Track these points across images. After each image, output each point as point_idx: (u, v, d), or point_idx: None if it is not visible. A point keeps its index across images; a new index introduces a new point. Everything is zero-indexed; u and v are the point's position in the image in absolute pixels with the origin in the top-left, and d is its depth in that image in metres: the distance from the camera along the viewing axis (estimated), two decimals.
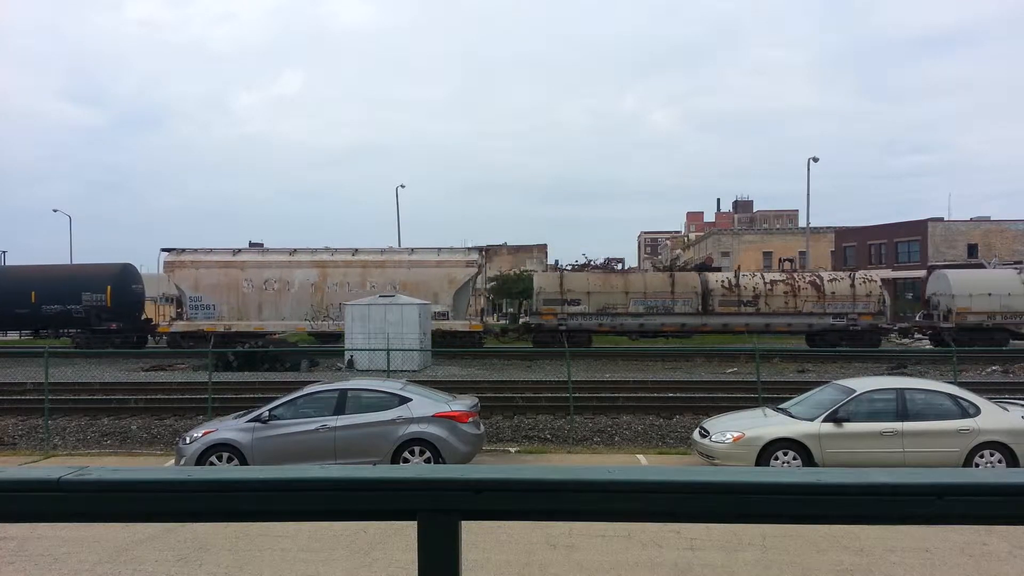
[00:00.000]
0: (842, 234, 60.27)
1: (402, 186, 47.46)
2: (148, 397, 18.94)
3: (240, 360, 26.06)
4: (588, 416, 15.90)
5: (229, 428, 11.33)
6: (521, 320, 35.96)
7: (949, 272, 33.87)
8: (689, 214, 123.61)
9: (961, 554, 7.24)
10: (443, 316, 30.64)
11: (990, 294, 30.96)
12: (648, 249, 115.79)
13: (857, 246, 56.88)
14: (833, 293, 31.43)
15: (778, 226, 76.54)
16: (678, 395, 18.45)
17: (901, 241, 53.62)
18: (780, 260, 33.80)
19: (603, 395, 18.43)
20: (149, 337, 33.83)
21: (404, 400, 11.35)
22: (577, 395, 16.48)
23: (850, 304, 31.34)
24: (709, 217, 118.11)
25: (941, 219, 53.67)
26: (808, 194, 44.05)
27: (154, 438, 15.03)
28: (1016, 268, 33.15)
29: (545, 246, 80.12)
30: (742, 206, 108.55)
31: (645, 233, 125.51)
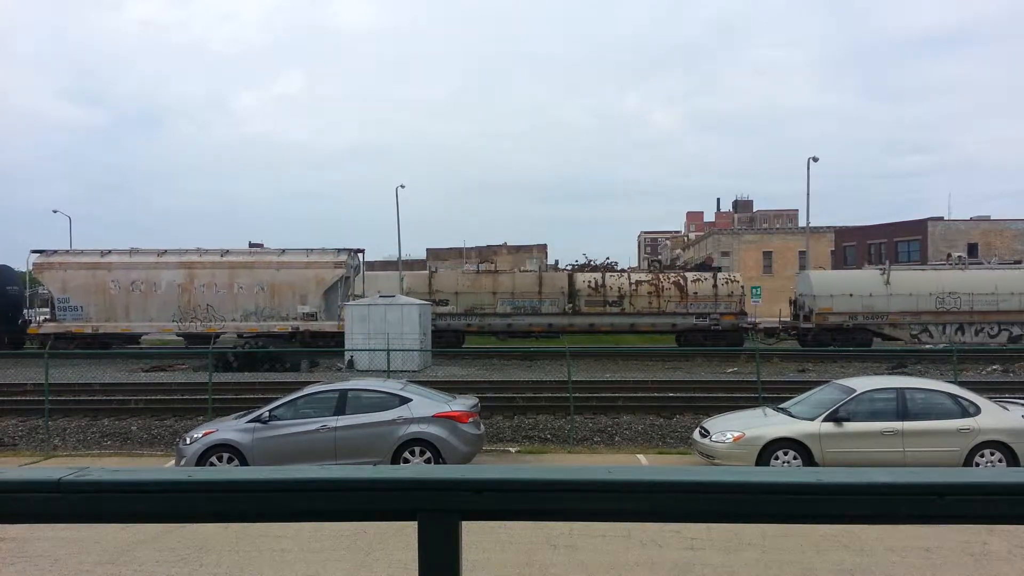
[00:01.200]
0: (842, 234, 60.22)
1: (402, 186, 47.34)
2: (148, 398, 18.94)
3: (240, 361, 26.06)
4: (588, 416, 15.90)
5: (229, 429, 11.32)
6: None
7: (812, 272, 34.31)
8: (689, 214, 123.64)
9: (962, 554, 7.23)
10: (311, 316, 30.99)
11: (851, 294, 31.11)
12: (648, 249, 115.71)
13: (857, 246, 56.84)
14: (696, 293, 32.07)
15: (778, 226, 76.47)
16: (678, 395, 18.44)
17: (901, 241, 53.58)
18: (649, 261, 34.35)
19: (603, 395, 18.42)
20: (26, 340, 33.32)
21: (404, 400, 11.35)
22: (577, 395, 16.47)
23: (712, 304, 31.94)
24: (709, 217, 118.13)
25: (941, 218, 53.65)
26: (808, 194, 44.01)
27: (154, 439, 15.03)
28: (880, 269, 33.12)
29: (545, 246, 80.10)
30: (742, 206, 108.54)
31: (645, 233, 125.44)
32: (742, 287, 32.71)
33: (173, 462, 11.94)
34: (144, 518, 1.11)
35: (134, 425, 15.95)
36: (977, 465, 10.73)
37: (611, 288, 32.25)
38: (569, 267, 42.91)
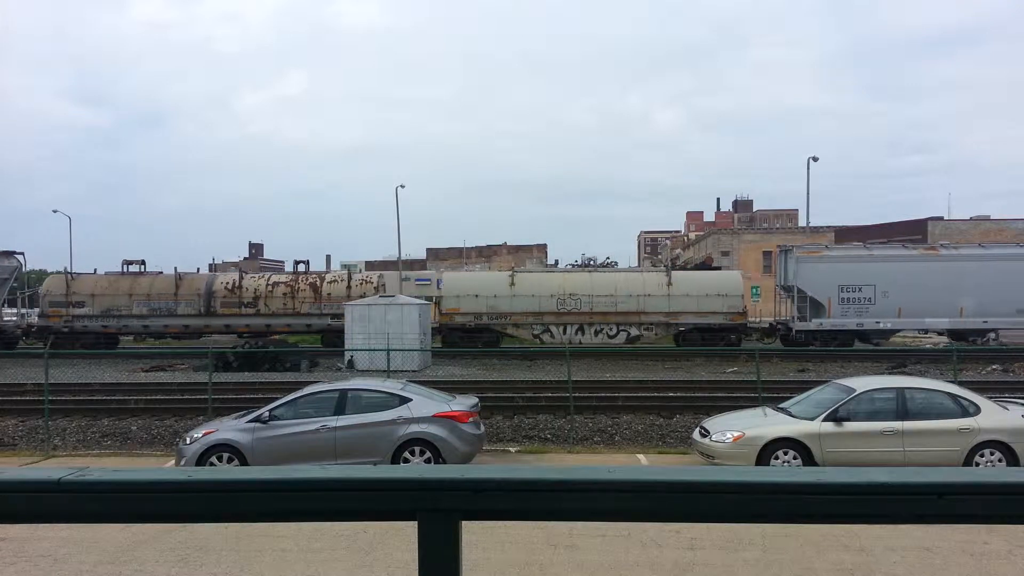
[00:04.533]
0: (842, 233, 60.21)
1: (402, 186, 47.36)
2: (148, 398, 18.94)
3: (240, 360, 26.06)
4: (588, 416, 15.89)
5: (229, 428, 11.32)
6: (27, 321, 36.24)
7: (445, 274, 35.11)
8: (689, 213, 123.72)
9: (962, 553, 7.24)
10: None
11: (477, 295, 31.50)
12: (648, 248, 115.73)
13: None
14: (329, 294, 32.68)
15: (778, 225, 76.50)
16: (678, 395, 18.44)
17: (901, 240, 53.57)
18: (296, 262, 35.10)
19: (603, 395, 18.41)
20: None
21: (404, 400, 11.35)
22: (577, 395, 16.48)
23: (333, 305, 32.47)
24: (709, 216, 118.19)
25: (941, 218, 53.65)
26: (808, 193, 44.12)
27: (154, 439, 15.02)
28: (509, 272, 33.46)
29: (545, 246, 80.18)
30: (742, 205, 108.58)
31: (645, 233, 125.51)
32: (375, 288, 32.95)
33: (173, 462, 11.94)
34: (144, 518, 1.11)
35: (134, 425, 15.95)
36: (977, 465, 10.73)
37: (247, 290, 32.83)
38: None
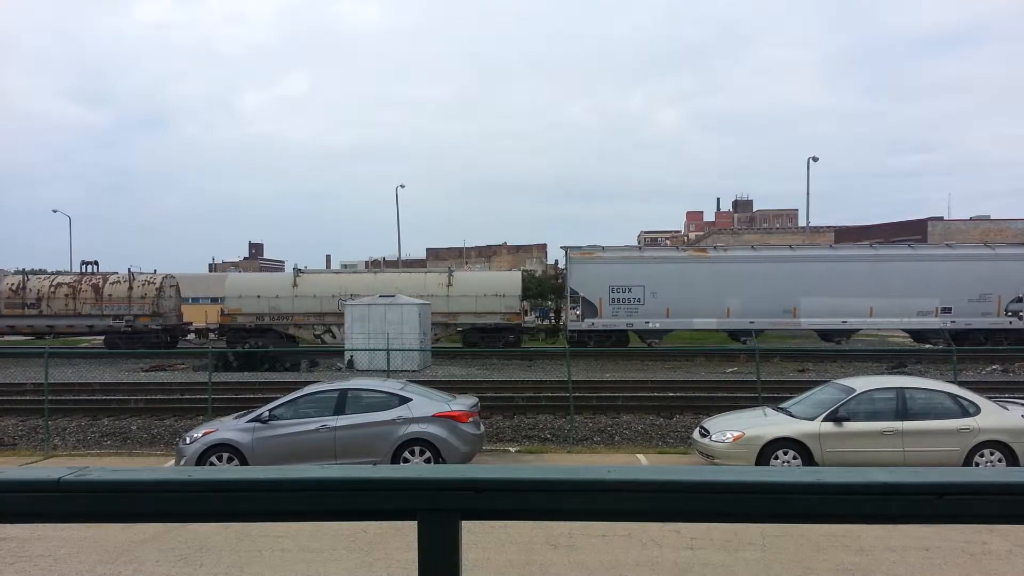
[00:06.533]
0: (842, 233, 60.20)
1: (402, 186, 47.54)
2: (148, 397, 18.93)
3: (240, 360, 26.07)
4: (588, 416, 15.90)
5: (229, 428, 11.32)
6: None
7: (229, 274, 35.63)
8: (689, 213, 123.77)
9: (962, 553, 7.23)
10: None
11: (259, 296, 31.70)
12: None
13: None
14: (111, 296, 32.76)
15: (777, 225, 76.51)
16: (678, 395, 18.43)
17: (900, 240, 53.58)
18: (83, 263, 35.65)
19: (603, 395, 18.41)
20: None
21: (404, 400, 11.35)
22: (577, 395, 16.48)
23: (127, 306, 32.66)
24: (709, 216, 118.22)
25: (941, 218, 53.62)
26: (808, 193, 44.20)
27: (154, 438, 15.03)
28: (294, 271, 33.54)
29: (545, 246, 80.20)
30: (742, 205, 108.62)
31: (644, 232, 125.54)
32: (157, 291, 33.10)
33: (173, 462, 11.94)
34: (144, 518, 1.11)
35: (134, 425, 15.95)
36: (977, 465, 10.73)
37: (31, 291, 32.96)
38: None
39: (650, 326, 29.71)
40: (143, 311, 32.50)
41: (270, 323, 31.73)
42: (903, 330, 30.47)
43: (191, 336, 35.82)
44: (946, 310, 28.86)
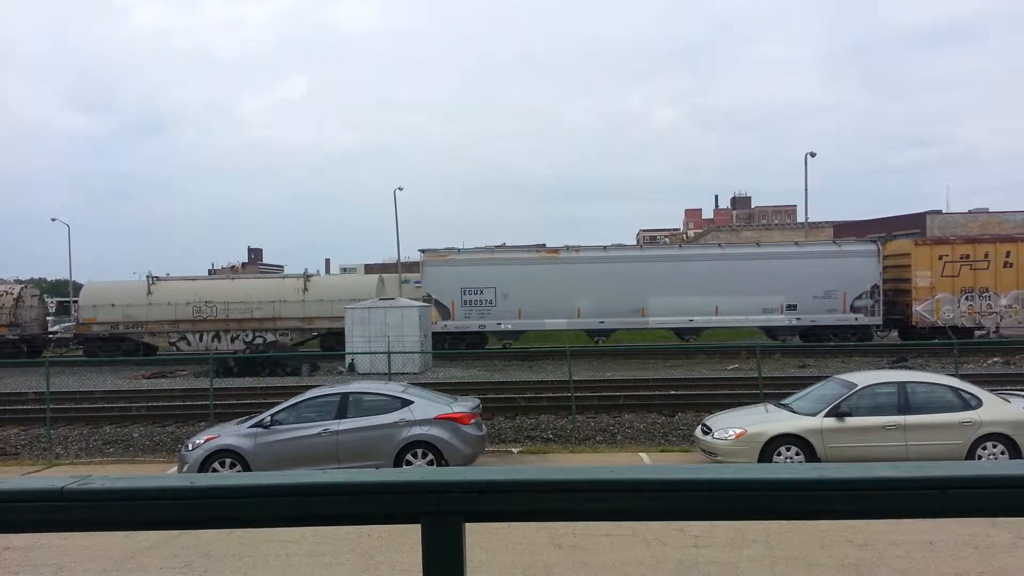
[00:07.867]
0: (840, 228, 60.19)
1: (400, 188, 47.55)
2: (150, 404, 18.91)
3: (241, 366, 26.08)
4: (590, 415, 15.89)
5: (231, 434, 11.32)
6: None
7: (86, 283, 35.53)
8: (687, 211, 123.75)
9: (966, 547, 7.23)
10: None
11: (113, 304, 31.58)
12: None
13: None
14: None
15: (776, 221, 76.53)
16: (680, 393, 18.42)
17: (899, 234, 53.54)
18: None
19: (605, 394, 18.39)
20: None
21: (406, 403, 11.34)
22: (579, 395, 16.46)
23: None
24: (708, 214, 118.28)
25: (939, 212, 53.68)
26: (806, 189, 44.29)
27: (156, 445, 15.02)
28: (148, 279, 33.42)
29: (544, 245, 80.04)
30: (740, 202, 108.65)
31: (644, 231, 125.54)
32: (15, 301, 32.74)
33: (176, 469, 11.93)
34: (147, 525, 1.11)
35: (136, 432, 15.94)
36: (979, 458, 10.73)
37: None
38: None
39: (502, 327, 29.88)
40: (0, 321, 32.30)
41: (124, 331, 31.51)
42: (757, 327, 30.34)
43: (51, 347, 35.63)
44: (791, 307, 28.90)
